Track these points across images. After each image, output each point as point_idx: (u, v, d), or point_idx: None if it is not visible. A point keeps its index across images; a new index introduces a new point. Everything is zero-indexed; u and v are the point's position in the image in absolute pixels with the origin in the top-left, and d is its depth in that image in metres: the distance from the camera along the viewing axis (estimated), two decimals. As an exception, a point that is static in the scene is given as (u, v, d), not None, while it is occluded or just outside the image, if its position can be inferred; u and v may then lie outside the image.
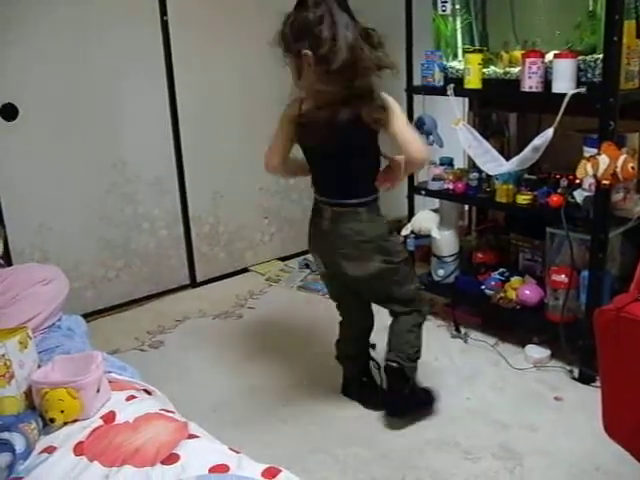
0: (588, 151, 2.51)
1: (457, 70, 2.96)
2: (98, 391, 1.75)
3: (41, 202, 3.26)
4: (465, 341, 3.08)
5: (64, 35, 3.19)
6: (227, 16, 3.69)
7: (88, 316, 3.15)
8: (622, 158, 2.36)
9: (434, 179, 3.12)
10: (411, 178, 3.17)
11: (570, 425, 2.45)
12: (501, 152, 2.88)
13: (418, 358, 2.51)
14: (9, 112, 3.09)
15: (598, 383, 1.92)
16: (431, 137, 2.98)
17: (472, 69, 2.81)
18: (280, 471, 1.46)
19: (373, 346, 2.74)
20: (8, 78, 3.08)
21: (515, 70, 2.75)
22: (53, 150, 3.26)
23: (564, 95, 2.47)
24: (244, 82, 3.83)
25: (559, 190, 2.70)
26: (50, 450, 1.60)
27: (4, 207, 3.14)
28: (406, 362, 2.44)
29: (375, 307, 2.60)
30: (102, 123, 3.39)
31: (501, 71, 2.82)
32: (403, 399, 2.50)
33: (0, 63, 3.04)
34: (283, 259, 4.23)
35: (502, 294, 3.00)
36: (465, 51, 2.96)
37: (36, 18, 3.09)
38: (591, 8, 2.54)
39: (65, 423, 1.69)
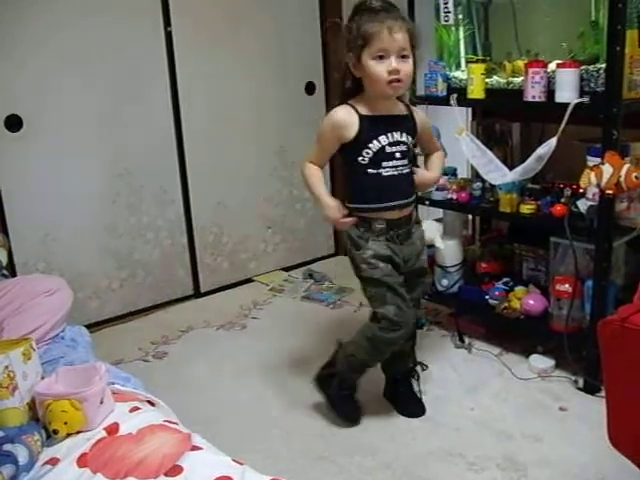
0: (591, 160, 2.51)
1: (460, 80, 2.97)
2: (102, 402, 1.75)
3: (45, 213, 3.28)
4: (469, 351, 3.07)
5: (68, 47, 3.21)
6: (231, 28, 3.71)
7: (92, 326, 3.15)
8: (626, 167, 2.35)
9: (438, 189, 3.11)
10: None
11: (575, 435, 2.44)
12: (504, 162, 2.87)
13: (356, 365, 2.55)
14: (14, 123, 3.11)
15: (603, 393, 1.92)
16: (434, 147, 2.98)
17: (475, 79, 2.81)
18: (284, 483, 1.46)
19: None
20: (13, 90, 3.10)
21: (518, 80, 2.75)
22: (57, 161, 3.27)
23: (567, 105, 2.47)
24: (248, 93, 3.84)
25: (563, 200, 2.70)
26: (53, 462, 1.60)
27: (8, 217, 3.15)
28: (338, 367, 2.58)
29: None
30: (106, 133, 3.41)
31: (504, 81, 2.82)
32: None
33: (5, 75, 3.06)
34: (287, 269, 4.23)
35: (506, 304, 2.99)
36: (468, 61, 2.97)
37: (40, 31, 3.11)
38: (593, 18, 2.54)
39: (68, 435, 1.69)
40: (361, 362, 2.54)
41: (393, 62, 2.19)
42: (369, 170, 2.33)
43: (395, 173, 2.35)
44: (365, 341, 2.49)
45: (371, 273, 2.41)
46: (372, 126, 2.31)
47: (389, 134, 2.32)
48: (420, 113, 2.49)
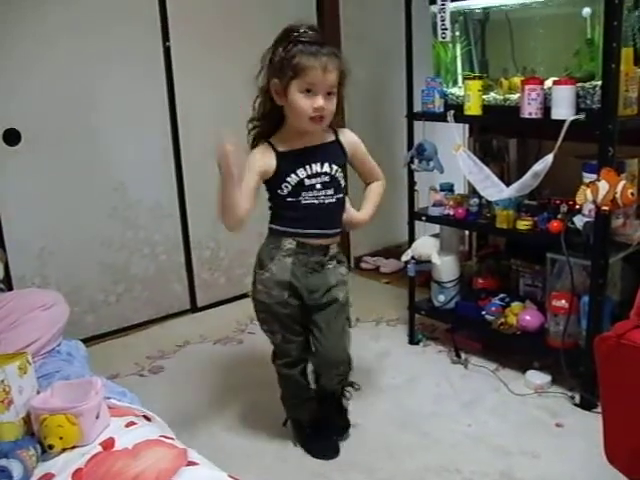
0: (587, 177, 2.52)
1: (457, 96, 2.98)
2: (97, 417, 1.74)
3: (42, 227, 3.28)
4: (465, 367, 3.07)
5: (66, 62, 3.22)
6: (230, 43, 3.72)
7: (88, 341, 3.14)
8: (621, 184, 2.36)
9: (434, 205, 3.12)
10: (411, 204, 3.17)
11: (571, 452, 2.43)
12: (501, 178, 2.89)
13: (293, 402, 2.56)
14: (12, 137, 3.12)
15: (600, 409, 1.92)
16: (432, 163, 2.99)
17: (472, 95, 2.82)
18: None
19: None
20: (11, 104, 3.11)
21: (515, 96, 2.76)
22: (55, 175, 3.28)
23: (563, 121, 2.49)
24: (247, 107, 3.84)
25: (559, 216, 2.70)
26: (48, 477, 1.59)
27: (5, 231, 3.15)
28: (287, 413, 2.63)
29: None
30: (103, 147, 3.41)
31: (501, 97, 2.83)
32: None
33: (3, 89, 3.07)
34: (284, 284, 4.22)
35: (503, 319, 2.99)
36: (465, 78, 2.98)
37: (38, 46, 3.13)
38: (589, 36, 2.56)
39: (64, 449, 1.68)
40: (288, 398, 2.55)
41: (320, 100, 2.15)
42: (288, 199, 2.29)
43: (315, 202, 2.29)
44: (279, 379, 2.52)
45: (263, 297, 2.37)
46: (289, 161, 2.27)
47: (307, 167, 2.27)
48: (349, 134, 2.41)
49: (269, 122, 2.34)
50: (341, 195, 2.34)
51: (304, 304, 2.37)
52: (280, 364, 2.47)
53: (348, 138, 2.39)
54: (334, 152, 2.33)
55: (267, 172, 2.27)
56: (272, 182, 2.29)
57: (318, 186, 2.27)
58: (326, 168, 2.29)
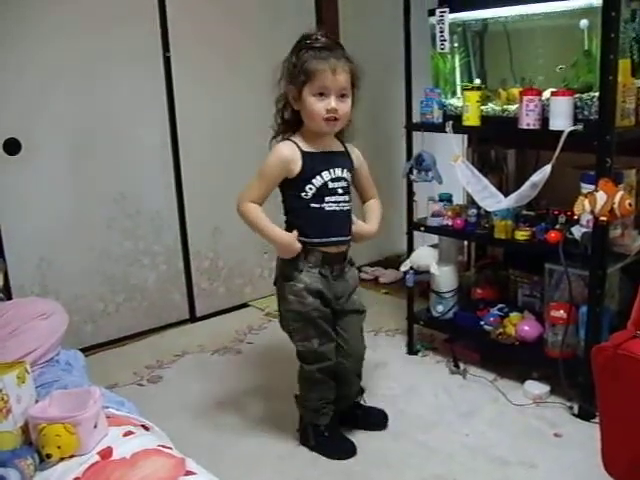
0: (585, 187, 2.53)
1: (456, 107, 2.99)
2: (95, 426, 1.74)
3: (42, 236, 3.28)
4: (464, 377, 3.07)
5: (67, 71, 3.23)
6: (228, 53, 3.74)
7: (87, 350, 3.14)
8: (619, 194, 2.37)
9: (433, 215, 3.13)
10: (410, 214, 3.17)
11: (569, 462, 2.43)
12: (499, 188, 2.89)
13: (316, 406, 2.56)
14: (12, 147, 3.12)
15: (598, 419, 1.92)
16: (430, 173, 3.00)
17: (470, 106, 2.83)
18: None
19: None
20: (11, 114, 3.12)
21: (513, 107, 2.77)
22: (55, 185, 3.29)
23: (561, 132, 2.50)
24: (247, 117, 3.86)
25: (557, 226, 2.71)
26: (46, 486, 1.59)
27: (5, 241, 3.15)
28: (305, 418, 2.61)
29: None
30: (103, 158, 3.42)
31: (499, 108, 2.84)
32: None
33: (4, 99, 3.08)
34: (282, 294, 4.22)
35: (501, 330, 3.00)
36: (463, 88, 2.99)
37: (39, 56, 3.14)
38: (587, 47, 2.57)
39: (62, 459, 1.68)
40: (314, 401, 2.56)
41: (332, 102, 2.26)
42: (312, 205, 2.37)
43: (337, 209, 2.39)
44: (303, 381, 2.56)
45: (297, 307, 2.43)
46: (314, 162, 2.35)
47: (331, 170, 2.37)
48: (357, 152, 2.53)
49: (290, 128, 2.42)
50: (352, 202, 2.46)
51: (332, 309, 2.49)
52: (315, 369, 2.49)
53: (356, 153, 2.51)
54: (346, 160, 2.46)
55: (293, 170, 2.34)
56: (295, 184, 2.36)
57: (340, 190, 2.39)
58: (345, 174, 2.42)
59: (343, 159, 2.44)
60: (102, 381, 2.62)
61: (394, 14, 3.12)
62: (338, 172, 2.38)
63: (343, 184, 2.40)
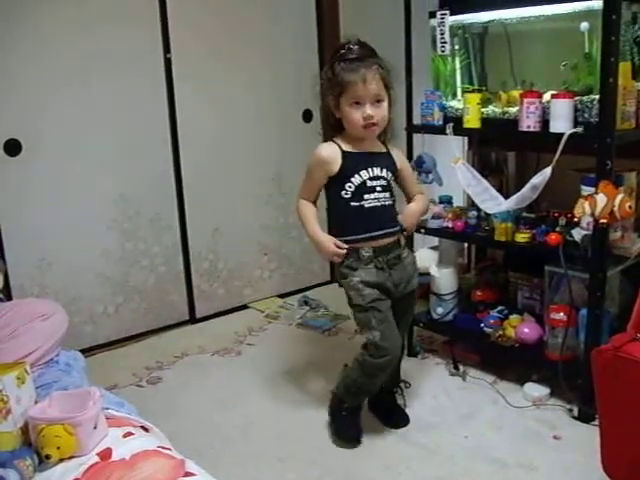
0: (586, 190, 2.53)
1: (456, 109, 2.99)
2: (95, 428, 1.74)
3: (41, 237, 3.28)
4: (463, 379, 3.07)
5: (67, 74, 3.23)
6: (230, 57, 3.74)
7: (86, 351, 3.14)
8: (619, 197, 2.37)
9: (433, 217, 3.12)
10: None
11: (569, 464, 2.42)
12: (500, 190, 2.89)
13: (351, 389, 2.59)
14: (13, 147, 3.12)
15: (598, 422, 1.92)
16: (431, 175, 3.00)
17: (471, 108, 2.83)
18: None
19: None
20: (12, 115, 3.12)
21: (513, 110, 2.77)
22: (55, 186, 3.29)
23: (562, 135, 2.50)
24: (246, 120, 3.87)
25: (557, 228, 2.71)
26: (45, 487, 1.59)
27: (5, 241, 3.16)
28: (338, 389, 2.64)
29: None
30: (103, 159, 3.42)
31: (499, 111, 2.84)
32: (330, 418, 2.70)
33: (5, 100, 3.08)
34: (282, 296, 4.23)
35: (501, 332, 3.00)
36: (464, 91, 2.99)
37: (39, 56, 3.14)
38: (587, 50, 2.57)
39: (61, 460, 1.68)
40: (355, 385, 2.57)
41: (367, 109, 2.36)
42: (352, 203, 2.46)
43: (377, 204, 2.47)
44: (357, 365, 2.55)
45: (358, 300, 2.49)
46: (353, 162, 2.45)
47: (369, 169, 2.46)
48: (399, 153, 2.62)
49: (337, 132, 2.52)
50: (394, 198, 2.55)
51: (391, 298, 2.54)
52: (375, 364, 2.49)
53: (398, 154, 2.61)
54: (389, 161, 2.54)
55: (333, 168, 2.45)
56: (335, 183, 2.46)
57: (378, 188, 2.47)
58: (384, 173, 2.50)
59: (384, 159, 2.52)
60: (102, 382, 2.61)
61: (394, 15, 3.12)
62: (377, 171, 2.46)
63: (382, 182, 2.48)
